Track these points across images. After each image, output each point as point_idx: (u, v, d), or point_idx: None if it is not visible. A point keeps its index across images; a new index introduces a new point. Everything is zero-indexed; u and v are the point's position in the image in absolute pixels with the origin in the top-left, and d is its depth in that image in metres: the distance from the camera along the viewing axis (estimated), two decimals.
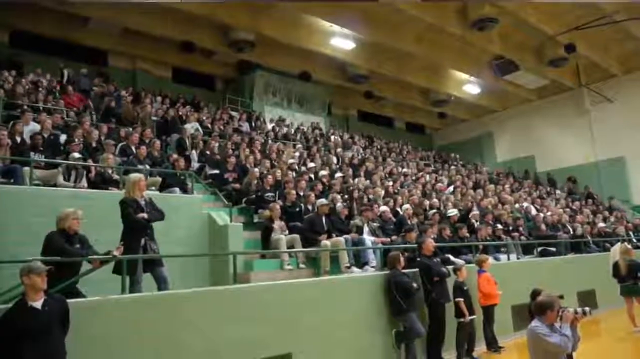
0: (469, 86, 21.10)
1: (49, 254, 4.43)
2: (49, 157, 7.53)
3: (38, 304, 3.53)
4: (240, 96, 18.46)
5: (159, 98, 14.54)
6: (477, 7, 14.74)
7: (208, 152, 10.37)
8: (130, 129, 9.82)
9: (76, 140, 8.27)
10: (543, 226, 11.97)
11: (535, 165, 22.39)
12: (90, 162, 7.70)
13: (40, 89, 10.95)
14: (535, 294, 7.27)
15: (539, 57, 18.26)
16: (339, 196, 9.47)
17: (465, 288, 7.03)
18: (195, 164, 10.01)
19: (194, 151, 10.43)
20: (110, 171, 7.59)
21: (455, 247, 8.66)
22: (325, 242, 7.22)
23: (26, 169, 6.70)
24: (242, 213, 8.68)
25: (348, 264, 7.11)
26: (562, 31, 16.18)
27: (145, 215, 5.14)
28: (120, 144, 8.95)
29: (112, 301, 4.31)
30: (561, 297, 4.16)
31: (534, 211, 13.44)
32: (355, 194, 10.03)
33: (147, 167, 8.23)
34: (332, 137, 17.00)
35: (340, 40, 16.64)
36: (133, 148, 8.85)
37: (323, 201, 8.22)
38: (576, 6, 14.97)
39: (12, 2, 13.09)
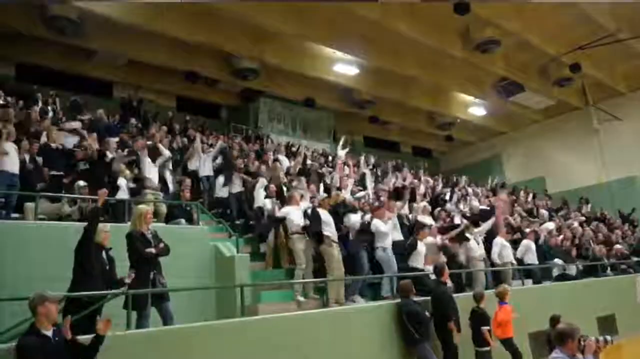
0: (475, 108, 21.20)
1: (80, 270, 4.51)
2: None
3: (49, 333, 3.54)
4: (246, 124, 18.60)
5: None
6: (479, 29, 14.91)
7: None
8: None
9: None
10: (574, 250, 11.90)
11: (546, 186, 22.24)
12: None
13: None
14: (554, 320, 7.15)
15: (544, 77, 18.37)
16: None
17: (487, 315, 6.88)
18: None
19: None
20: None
21: None
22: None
23: (29, 204, 6.71)
24: (248, 243, 8.62)
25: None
26: (566, 51, 16.30)
27: (153, 250, 5.14)
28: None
29: (119, 337, 4.24)
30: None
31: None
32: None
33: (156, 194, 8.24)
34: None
35: (344, 67, 16.87)
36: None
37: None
38: (578, 26, 15.12)
39: (18, 36, 13.43)
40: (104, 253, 4.94)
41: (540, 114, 21.85)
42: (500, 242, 9.53)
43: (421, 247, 7.97)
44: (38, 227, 6.16)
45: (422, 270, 7.77)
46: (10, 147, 7.28)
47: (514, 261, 9.66)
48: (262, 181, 9.22)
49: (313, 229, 7.23)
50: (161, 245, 5.27)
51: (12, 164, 7.19)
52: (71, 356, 3.57)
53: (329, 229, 7.25)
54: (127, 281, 4.68)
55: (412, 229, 8.57)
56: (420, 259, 7.90)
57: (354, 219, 8.12)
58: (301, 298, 6.90)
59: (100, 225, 4.87)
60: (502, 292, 7.26)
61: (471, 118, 21.86)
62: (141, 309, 4.87)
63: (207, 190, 10.27)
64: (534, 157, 22.96)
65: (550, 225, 12.67)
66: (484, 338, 6.67)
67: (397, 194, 9.72)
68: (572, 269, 11.02)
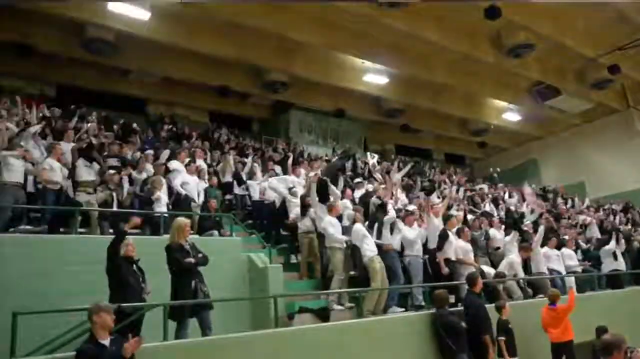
0: (509, 114, 20.84)
1: (114, 280, 4.60)
2: None
3: (107, 342, 3.70)
4: (277, 136, 18.81)
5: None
6: (511, 34, 14.69)
7: None
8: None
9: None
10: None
11: (586, 191, 21.54)
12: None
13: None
14: (599, 331, 6.92)
15: (581, 80, 17.91)
16: None
17: (509, 326, 6.68)
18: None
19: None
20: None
21: None
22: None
23: None
24: (280, 254, 8.68)
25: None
26: (603, 53, 15.85)
27: (192, 259, 5.23)
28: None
29: (158, 348, 4.33)
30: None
31: None
32: None
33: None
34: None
35: (373, 76, 16.91)
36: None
37: None
38: (616, 26, 14.70)
39: (58, 58, 14.05)
40: (134, 266, 5.06)
41: (578, 118, 21.27)
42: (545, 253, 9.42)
43: (452, 237, 7.89)
44: (77, 239, 6.37)
45: (455, 261, 7.74)
46: (55, 162, 7.58)
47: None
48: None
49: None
50: (200, 255, 5.37)
51: (58, 177, 7.50)
52: None
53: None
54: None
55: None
56: (452, 250, 7.81)
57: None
58: (339, 306, 6.89)
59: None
60: (552, 295, 7.16)
61: (506, 124, 21.49)
62: (180, 319, 4.96)
63: (240, 202, 10.42)
64: (573, 162, 22.31)
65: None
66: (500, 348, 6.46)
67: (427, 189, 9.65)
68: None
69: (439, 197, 10.40)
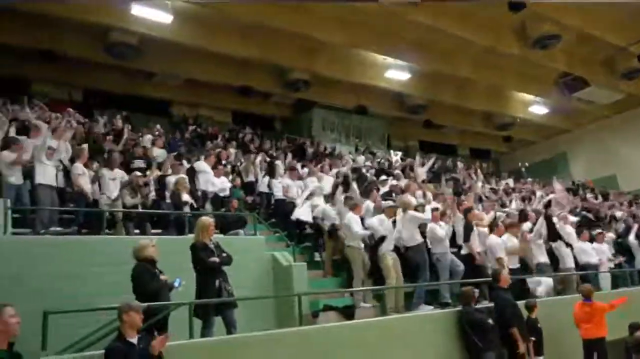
0: (536, 107, 20.41)
1: (139, 287, 4.68)
2: None
3: (134, 340, 3.80)
4: (299, 134, 18.86)
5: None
6: (536, 25, 14.37)
7: None
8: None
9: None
10: None
11: (618, 184, 20.97)
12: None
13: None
14: (633, 328, 6.75)
15: (611, 70, 17.42)
16: None
17: (538, 325, 6.59)
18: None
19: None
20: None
21: None
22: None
23: None
24: (304, 252, 8.71)
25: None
26: (633, 42, 15.37)
27: (217, 259, 5.28)
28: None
29: (184, 345, 4.39)
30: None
31: None
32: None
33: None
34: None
35: (395, 72, 16.78)
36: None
37: None
38: None
39: (84, 63, 14.38)
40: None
41: (609, 109, 20.67)
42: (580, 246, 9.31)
43: (475, 228, 7.86)
44: (103, 240, 6.52)
45: (479, 254, 7.72)
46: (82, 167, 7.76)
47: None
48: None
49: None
50: (224, 254, 5.42)
51: (87, 184, 7.68)
52: None
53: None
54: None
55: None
56: (477, 241, 7.78)
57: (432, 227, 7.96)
58: (365, 304, 6.89)
59: (146, 240, 5.08)
60: (585, 290, 7.06)
61: (532, 117, 21.05)
62: (205, 317, 5.02)
63: (264, 201, 10.49)
64: (603, 155, 21.71)
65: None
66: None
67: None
68: None
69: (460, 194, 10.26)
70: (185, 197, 8.30)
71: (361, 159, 15.66)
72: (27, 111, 9.82)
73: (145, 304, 4.07)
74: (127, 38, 13.48)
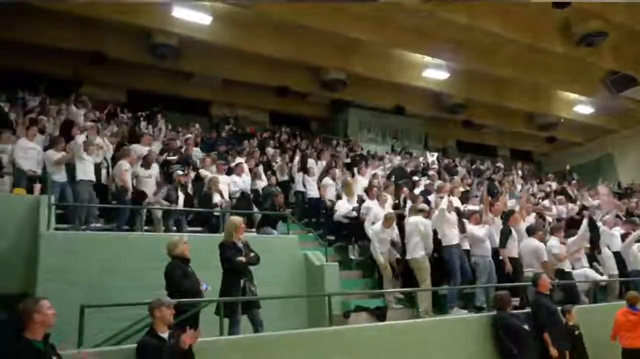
0: (581, 107, 19.65)
1: (172, 284, 4.80)
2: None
3: (166, 335, 3.91)
4: (335, 134, 18.84)
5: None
6: (581, 22, 13.89)
7: None
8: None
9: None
10: None
11: None
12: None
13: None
14: None
15: None
16: None
17: (576, 332, 6.34)
18: None
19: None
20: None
21: None
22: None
23: None
24: (337, 252, 8.69)
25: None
26: None
27: (243, 259, 5.32)
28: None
29: (212, 342, 4.46)
30: None
31: None
32: None
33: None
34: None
35: (433, 71, 16.52)
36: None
37: None
38: None
39: (128, 65, 14.84)
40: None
41: None
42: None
43: (515, 233, 7.64)
44: (141, 237, 6.70)
45: (517, 259, 7.51)
46: (127, 164, 8.01)
47: None
48: None
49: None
50: (252, 254, 5.46)
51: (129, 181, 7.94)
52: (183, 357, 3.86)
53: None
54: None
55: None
56: (515, 248, 7.57)
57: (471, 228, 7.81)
58: (398, 305, 6.83)
59: (177, 237, 5.21)
60: (632, 297, 6.75)
61: (577, 117, 20.27)
62: (231, 315, 5.07)
63: (300, 201, 10.55)
64: None
65: None
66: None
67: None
68: None
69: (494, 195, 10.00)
70: (217, 198, 8.44)
71: (397, 159, 15.50)
72: (73, 110, 10.21)
73: (176, 300, 4.14)
74: (168, 39, 13.82)
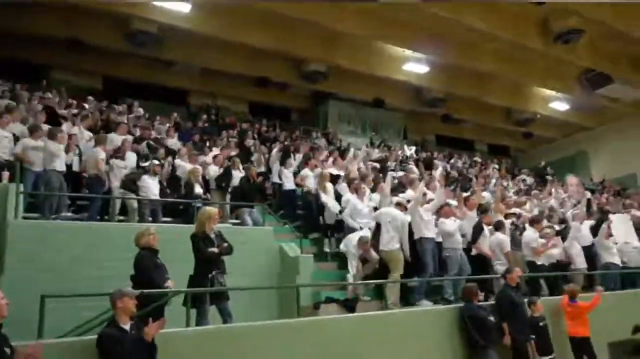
0: (557, 103, 19.99)
1: (138, 275, 4.77)
2: None
3: (127, 327, 3.85)
4: (315, 126, 18.83)
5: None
6: (560, 19, 14.02)
7: None
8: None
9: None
10: None
11: (638, 183, 20.50)
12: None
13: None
14: (637, 330, 6.65)
15: (636, 66, 16.90)
16: None
17: (541, 323, 6.53)
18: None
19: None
20: None
21: None
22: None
23: None
24: (314, 244, 8.74)
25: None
26: None
27: (216, 250, 5.31)
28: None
29: (178, 334, 4.47)
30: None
31: None
32: None
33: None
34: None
35: (414, 65, 16.62)
36: None
37: None
38: None
39: (104, 51, 14.58)
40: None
41: (632, 107, 20.12)
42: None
43: (487, 230, 7.79)
44: (114, 227, 6.64)
45: (489, 256, 7.67)
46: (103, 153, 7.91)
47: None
48: None
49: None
50: (225, 244, 5.44)
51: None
52: (146, 350, 3.82)
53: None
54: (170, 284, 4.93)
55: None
56: (486, 244, 7.73)
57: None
58: (366, 298, 6.90)
59: (144, 228, 5.17)
60: (572, 290, 7.08)
61: (553, 113, 20.63)
62: (199, 307, 5.07)
63: (276, 193, 10.55)
64: (625, 153, 21.15)
65: None
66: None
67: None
68: None
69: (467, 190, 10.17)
70: (198, 189, 8.47)
71: (375, 152, 15.56)
72: (49, 96, 10.01)
73: (139, 291, 4.09)
74: (147, 27, 13.59)
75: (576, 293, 7.06)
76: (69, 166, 7.78)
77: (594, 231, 9.61)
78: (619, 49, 16.22)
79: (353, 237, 7.42)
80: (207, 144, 11.21)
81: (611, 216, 9.62)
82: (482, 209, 8.37)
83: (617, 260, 9.22)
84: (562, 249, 8.82)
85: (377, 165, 12.24)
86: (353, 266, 7.21)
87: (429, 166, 12.05)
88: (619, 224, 9.84)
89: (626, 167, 20.91)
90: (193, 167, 8.89)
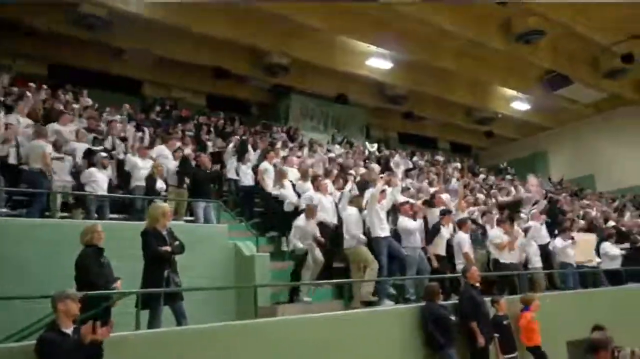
0: (518, 103, 20.62)
1: (81, 275, 4.58)
2: None
3: (69, 331, 3.66)
4: (276, 121, 18.70)
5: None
6: (522, 19, 14.41)
7: None
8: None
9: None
10: None
11: (595, 185, 21.40)
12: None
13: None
14: (595, 329, 6.86)
15: (595, 69, 17.62)
16: None
17: (504, 322, 6.68)
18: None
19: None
20: None
21: None
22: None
23: None
24: (270, 242, 8.64)
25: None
26: (618, 41, 15.55)
27: (169, 248, 5.15)
28: None
29: (130, 337, 4.29)
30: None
31: None
32: None
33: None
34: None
35: (377, 61, 16.73)
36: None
37: None
38: (632, 13, 14.34)
39: (50, 36, 13.95)
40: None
41: (590, 109, 21.02)
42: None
43: (445, 232, 7.91)
44: (56, 225, 6.34)
45: (444, 257, 7.80)
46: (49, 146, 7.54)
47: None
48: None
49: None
50: (176, 243, 5.28)
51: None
52: (90, 355, 3.63)
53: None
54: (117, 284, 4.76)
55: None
56: (442, 246, 7.84)
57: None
58: (307, 298, 6.86)
59: (90, 225, 4.97)
60: (526, 299, 7.15)
61: (514, 113, 21.28)
62: (153, 308, 4.91)
63: (232, 190, 10.40)
64: (583, 154, 22.12)
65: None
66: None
67: None
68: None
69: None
70: (160, 184, 8.26)
71: (337, 149, 15.61)
72: None
73: (84, 293, 3.89)
74: (96, 10, 13.08)
75: (529, 301, 7.12)
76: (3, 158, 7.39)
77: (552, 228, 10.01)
78: (578, 51, 16.84)
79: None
80: (158, 137, 10.84)
81: (575, 236, 9.92)
82: (442, 212, 8.42)
83: (572, 260, 9.56)
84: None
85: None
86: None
87: (385, 165, 12.12)
88: (583, 244, 10.07)
89: (584, 168, 21.82)
90: (158, 162, 8.64)
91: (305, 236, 7.25)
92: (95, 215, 7.46)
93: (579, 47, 16.45)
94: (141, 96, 17.08)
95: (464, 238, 7.96)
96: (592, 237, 10.42)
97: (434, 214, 8.52)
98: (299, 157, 11.99)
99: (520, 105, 20.71)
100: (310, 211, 7.49)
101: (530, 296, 7.24)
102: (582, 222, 11.86)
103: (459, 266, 7.68)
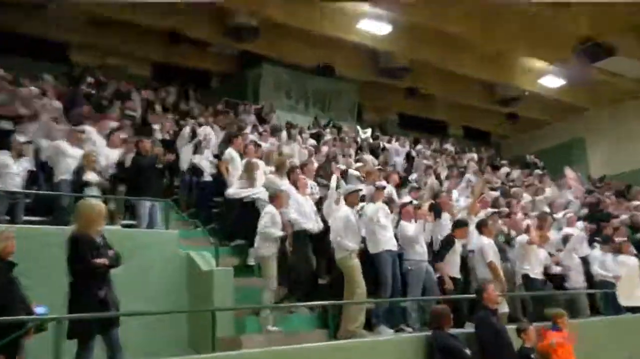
0: (549, 78, 20.72)
1: None
2: None
3: None
4: (242, 97, 18.62)
5: None
6: None
7: None
8: None
9: None
10: None
11: None
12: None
13: None
14: None
15: None
16: None
17: (532, 355, 6.71)
18: None
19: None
20: None
21: None
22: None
23: None
24: (235, 254, 8.60)
25: None
26: None
27: (106, 261, 5.06)
28: None
29: None
30: None
31: None
32: None
33: None
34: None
35: (371, 23, 16.66)
36: None
37: None
38: None
39: None
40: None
41: (637, 84, 21.23)
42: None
43: (458, 246, 7.94)
44: None
45: (458, 279, 7.83)
46: None
47: None
48: None
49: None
50: (110, 253, 5.18)
51: None
52: None
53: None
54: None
55: None
56: (456, 264, 7.89)
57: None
58: (273, 328, 6.81)
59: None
60: (557, 314, 7.24)
61: (544, 91, 21.39)
62: (84, 338, 4.82)
63: (186, 186, 10.35)
64: (631, 143, 22.25)
65: None
66: None
67: None
68: None
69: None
70: (91, 176, 8.17)
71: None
72: None
73: None
74: None
75: (559, 317, 7.18)
76: None
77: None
78: (623, 15, 16.95)
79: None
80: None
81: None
82: (455, 223, 8.39)
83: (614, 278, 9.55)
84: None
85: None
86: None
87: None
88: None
89: (632, 161, 21.78)
90: (90, 150, 8.59)
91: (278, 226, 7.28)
92: (6, 217, 7.43)
93: (624, 11, 16.57)
94: (68, 63, 16.82)
95: (487, 244, 7.95)
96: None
97: (442, 222, 8.51)
98: (272, 144, 11.98)
99: (552, 81, 20.81)
100: (280, 198, 7.45)
101: (562, 312, 7.27)
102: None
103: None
